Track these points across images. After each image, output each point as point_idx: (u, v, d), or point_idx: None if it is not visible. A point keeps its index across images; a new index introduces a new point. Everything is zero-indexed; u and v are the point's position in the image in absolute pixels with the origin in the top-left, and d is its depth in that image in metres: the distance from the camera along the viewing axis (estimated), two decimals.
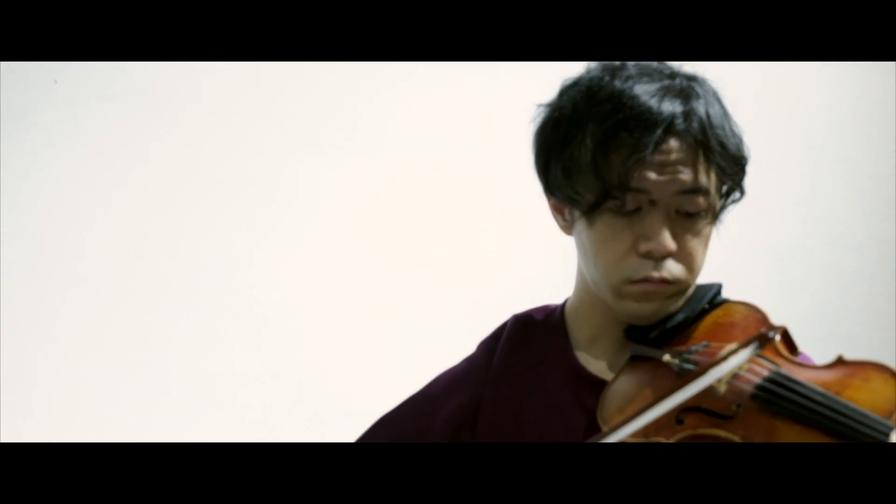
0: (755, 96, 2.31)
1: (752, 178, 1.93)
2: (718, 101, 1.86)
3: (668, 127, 1.79)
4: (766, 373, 1.72)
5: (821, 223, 2.11)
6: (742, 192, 1.89)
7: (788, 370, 1.74)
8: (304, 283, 3.27)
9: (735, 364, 1.75)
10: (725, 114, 1.86)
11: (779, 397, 1.69)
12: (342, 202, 3.29)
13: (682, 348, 1.84)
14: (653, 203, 1.81)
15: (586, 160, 1.80)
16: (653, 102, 1.80)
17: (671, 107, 1.80)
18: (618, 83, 1.82)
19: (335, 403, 3.05)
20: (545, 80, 1.98)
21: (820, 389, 1.69)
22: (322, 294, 3.24)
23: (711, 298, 1.89)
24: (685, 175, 1.80)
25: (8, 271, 3.14)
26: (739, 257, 2.20)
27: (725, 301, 1.91)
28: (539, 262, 3.13)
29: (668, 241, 1.81)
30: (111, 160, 3.20)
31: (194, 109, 3.24)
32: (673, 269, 1.83)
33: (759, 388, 1.71)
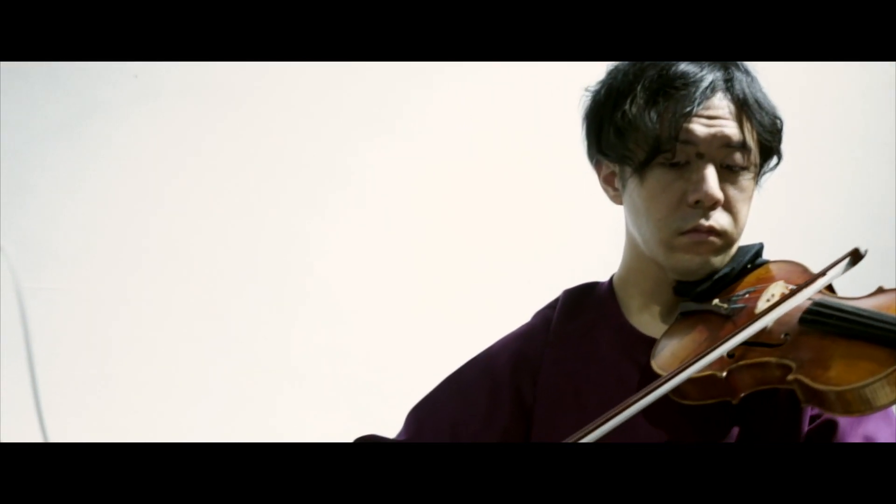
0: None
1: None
2: (754, 74, 1.91)
3: (712, 84, 1.84)
4: (814, 298, 1.76)
5: (821, 223, 2.15)
6: (780, 157, 1.93)
7: (835, 299, 1.78)
8: (358, 270, 3.25)
9: (791, 305, 1.77)
10: (760, 86, 1.91)
11: (825, 317, 1.73)
12: (391, 193, 3.28)
13: (730, 296, 1.87)
14: (700, 156, 1.83)
15: (638, 116, 1.84)
16: (694, 68, 1.85)
17: (713, 71, 1.86)
18: (661, 63, 1.88)
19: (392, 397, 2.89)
20: (583, 79, 2.03)
21: (863, 306, 1.74)
22: (379, 289, 3.23)
23: (753, 257, 1.91)
24: (730, 129, 1.84)
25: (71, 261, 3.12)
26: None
27: (767, 261, 1.92)
28: (579, 249, 3.18)
29: (716, 190, 1.82)
30: (179, 151, 3.21)
31: (251, 105, 3.23)
32: (720, 218, 1.84)
33: (807, 311, 1.74)
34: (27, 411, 1.69)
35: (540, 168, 3.30)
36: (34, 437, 1.69)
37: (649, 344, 1.88)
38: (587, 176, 2.04)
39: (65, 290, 3.10)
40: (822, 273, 1.79)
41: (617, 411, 1.72)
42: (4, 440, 1.76)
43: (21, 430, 1.74)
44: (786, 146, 1.98)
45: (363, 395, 3.15)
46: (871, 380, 1.65)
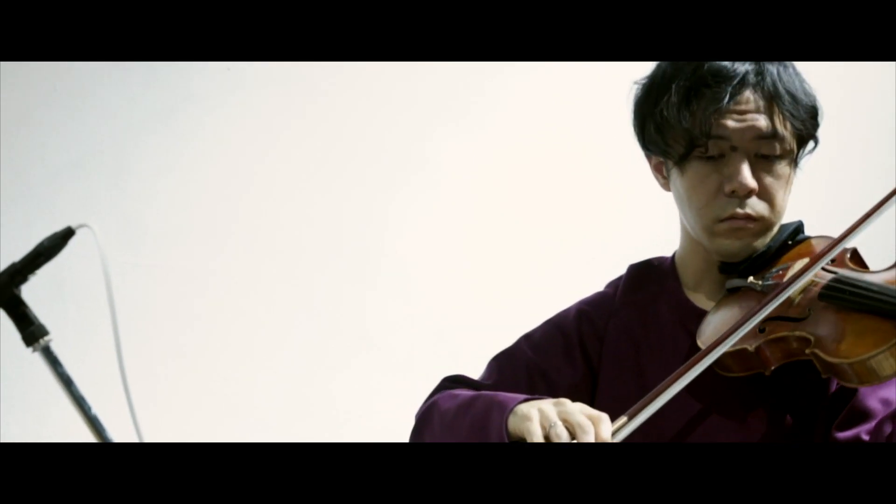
0: None
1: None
2: (793, 67, 1.89)
3: (742, 80, 1.82)
4: (829, 276, 1.76)
5: (821, 223, 2.14)
6: (816, 141, 1.91)
7: (851, 273, 1.77)
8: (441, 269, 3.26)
9: (807, 277, 1.75)
10: (797, 74, 1.89)
11: (840, 292, 1.72)
12: (459, 179, 3.30)
13: (766, 273, 1.86)
14: (734, 149, 1.82)
15: (673, 114, 1.83)
16: (728, 64, 1.83)
17: (744, 66, 1.83)
18: (697, 61, 1.86)
19: None
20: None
21: (878, 281, 1.72)
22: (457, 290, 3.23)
23: (793, 234, 1.90)
24: (761, 122, 1.82)
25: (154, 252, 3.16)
26: None
27: (807, 237, 1.92)
28: (640, 227, 3.10)
29: (749, 181, 1.81)
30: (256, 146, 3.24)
31: (334, 98, 3.25)
32: (756, 206, 1.84)
33: (825, 287, 1.74)
34: (114, 378, 1.66)
35: (601, 155, 3.28)
36: (121, 406, 1.64)
37: (702, 316, 1.89)
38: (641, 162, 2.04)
39: (159, 265, 3.14)
40: (830, 248, 1.78)
41: (664, 386, 1.72)
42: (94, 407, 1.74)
43: (108, 401, 1.69)
44: None
45: (429, 361, 3.13)
46: (875, 351, 1.64)
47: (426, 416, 1.96)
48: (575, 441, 1.64)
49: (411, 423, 3.14)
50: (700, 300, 1.95)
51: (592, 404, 1.77)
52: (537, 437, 1.66)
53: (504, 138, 3.30)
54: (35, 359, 2.93)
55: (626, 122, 2.25)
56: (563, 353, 1.98)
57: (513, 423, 1.72)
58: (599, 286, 2.08)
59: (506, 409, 1.74)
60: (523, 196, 3.29)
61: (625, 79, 2.08)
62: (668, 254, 2.06)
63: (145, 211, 3.17)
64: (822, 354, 1.70)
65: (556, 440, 1.64)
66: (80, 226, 1.67)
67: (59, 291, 2.71)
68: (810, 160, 1.99)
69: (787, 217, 1.95)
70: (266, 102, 3.24)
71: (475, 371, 2.08)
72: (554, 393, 1.88)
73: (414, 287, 3.24)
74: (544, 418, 1.67)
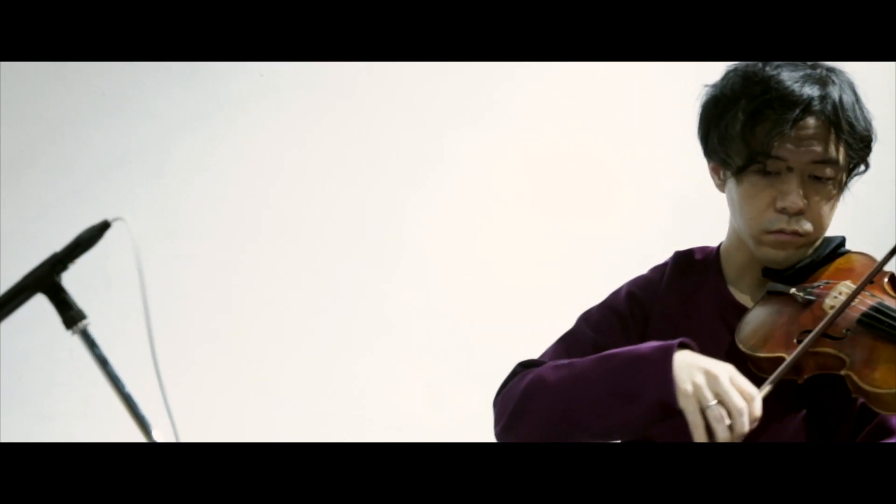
0: None
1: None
2: (852, 89, 1.89)
3: (806, 107, 1.81)
4: (871, 303, 1.76)
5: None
6: (867, 167, 1.92)
7: (891, 303, 1.76)
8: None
9: (847, 299, 1.76)
10: (857, 99, 1.88)
11: (880, 322, 1.73)
12: (476, 173, 3.30)
13: (807, 286, 1.86)
14: (790, 169, 1.83)
15: (737, 131, 1.83)
16: (795, 87, 1.81)
17: (810, 91, 1.82)
18: (769, 70, 1.84)
19: None
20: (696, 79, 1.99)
21: None
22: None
23: (835, 248, 1.91)
24: (818, 147, 1.82)
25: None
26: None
27: (848, 252, 1.92)
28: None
29: (800, 200, 1.82)
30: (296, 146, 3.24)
31: (360, 98, 3.25)
32: (803, 224, 1.84)
33: (865, 314, 1.74)
34: (147, 362, 1.67)
35: (609, 152, 3.28)
36: (154, 388, 1.66)
37: (740, 310, 1.90)
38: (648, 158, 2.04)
39: (194, 255, 3.15)
40: (870, 278, 1.79)
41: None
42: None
43: (142, 383, 1.67)
44: None
45: (444, 345, 3.16)
46: None
47: (531, 391, 1.88)
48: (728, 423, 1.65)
49: (428, 400, 3.16)
50: (740, 295, 1.95)
51: None
52: (695, 417, 1.69)
53: (518, 136, 3.30)
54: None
55: (635, 121, 2.26)
56: (620, 331, 1.97)
57: (663, 393, 1.73)
58: (606, 278, 2.09)
59: (666, 368, 1.73)
60: (535, 191, 3.28)
61: (632, 79, 2.09)
62: (671, 251, 2.07)
63: (182, 205, 3.16)
64: (855, 378, 1.71)
65: (714, 423, 1.67)
66: (116, 219, 1.70)
67: (100, 280, 2.73)
68: None
69: None
70: (294, 105, 3.24)
71: (490, 352, 2.05)
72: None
73: (431, 276, 3.24)
74: (700, 396, 1.69)
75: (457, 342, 3.12)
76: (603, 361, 1.84)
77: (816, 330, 1.74)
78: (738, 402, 1.68)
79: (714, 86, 1.92)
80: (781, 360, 1.77)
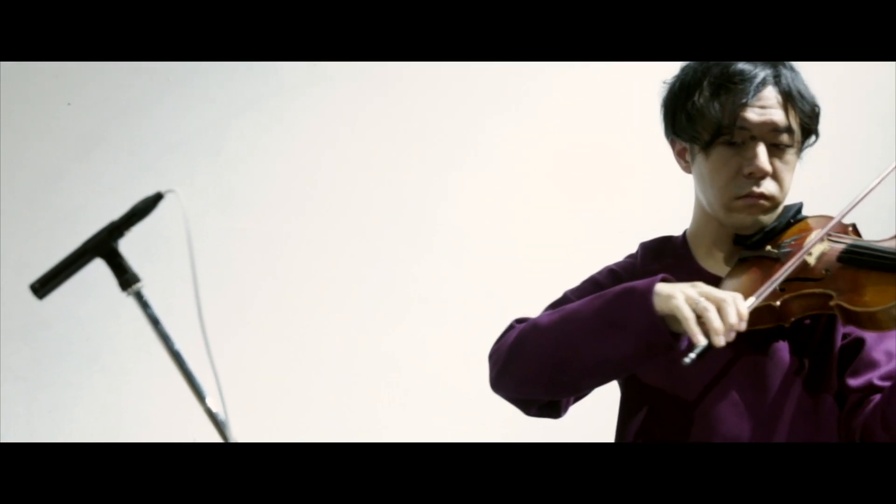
0: None
1: None
2: (797, 71, 1.93)
3: (763, 80, 1.86)
4: (848, 241, 1.82)
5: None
6: (817, 135, 1.95)
7: (862, 240, 1.84)
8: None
9: (820, 245, 1.83)
10: (801, 78, 1.93)
11: (859, 254, 1.79)
12: (508, 160, 3.29)
13: (780, 242, 1.90)
14: (753, 138, 1.87)
15: (704, 106, 1.88)
16: (749, 66, 1.88)
17: (763, 69, 1.88)
18: (723, 62, 1.90)
19: None
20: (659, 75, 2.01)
21: (885, 246, 1.79)
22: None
23: (795, 213, 1.95)
24: (777, 116, 1.87)
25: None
26: None
27: (805, 217, 1.96)
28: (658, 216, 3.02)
29: (766, 164, 1.86)
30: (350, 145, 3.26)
31: (403, 90, 3.26)
32: (769, 186, 1.88)
33: (844, 251, 1.81)
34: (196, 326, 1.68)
35: (627, 145, 3.27)
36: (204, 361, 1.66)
37: (714, 281, 1.88)
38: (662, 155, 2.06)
39: (245, 228, 3.17)
40: (839, 218, 1.84)
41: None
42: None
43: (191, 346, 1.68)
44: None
45: (475, 313, 3.17)
46: (894, 302, 1.71)
47: (522, 339, 1.90)
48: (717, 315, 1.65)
49: (457, 364, 3.16)
50: (712, 267, 1.97)
51: None
52: (686, 311, 1.68)
53: (545, 127, 3.30)
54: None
55: (651, 118, 2.23)
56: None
57: (658, 304, 1.73)
58: (626, 252, 2.11)
59: (646, 293, 1.74)
60: (560, 175, 3.28)
61: (652, 78, 2.09)
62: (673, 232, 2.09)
63: (235, 182, 3.19)
64: (846, 305, 1.75)
65: (704, 314, 1.67)
66: (168, 191, 1.71)
67: (154, 247, 2.72)
68: (815, 160, 2.00)
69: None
70: (342, 94, 3.25)
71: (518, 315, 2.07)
72: None
73: (465, 249, 3.25)
74: (688, 297, 1.70)
75: (488, 308, 3.12)
76: (593, 298, 1.85)
77: (790, 263, 1.78)
78: (724, 295, 1.69)
79: (675, 77, 1.97)
80: (768, 308, 1.80)
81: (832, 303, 1.77)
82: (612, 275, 2.02)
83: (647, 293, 1.74)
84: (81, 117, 3.14)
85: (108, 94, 3.16)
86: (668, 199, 3.10)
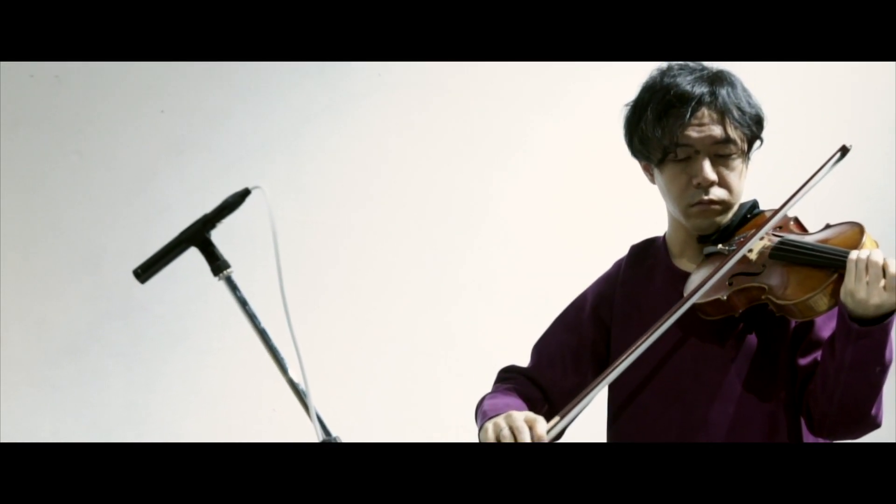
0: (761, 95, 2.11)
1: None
2: (739, 83, 1.93)
3: (699, 101, 1.88)
4: (781, 237, 1.86)
5: (821, 222, 2.12)
6: (762, 141, 1.95)
7: (793, 236, 1.86)
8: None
9: (758, 239, 1.85)
10: (744, 90, 1.93)
11: (786, 251, 1.82)
12: (550, 158, 3.26)
13: (732, 241, 1.93)
14: (697, 152, 1.89)
15: (650, 130, 1.91)
16: (688, 87, 1.89)
17: (700, 88, 1.89)
18: (666, 79, 1.92)
19: None
20: None
21: (810, 240, 1.82)
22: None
23: (750, 210, 1.96)
24: (716, 131, 1.88)
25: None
26: None
27: (761, 211, 1.97)
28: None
29: (710, 175, 1.88)
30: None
31: (456, 94, 3.23)
32: (717, 192, 1.90)
33: (773, 248, 1.85)
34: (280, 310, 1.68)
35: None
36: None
37: (685, 277, 1.95)
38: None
39: (319, 221, 3.18)
40: (771, 217, 1.86)
41: (656, 326, 1.84)
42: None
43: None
44: (786, 146, 1.94)
45: (522, 296, 3.16)
46: (812, 294, 1.75)
47: (477, 409, 2.01)
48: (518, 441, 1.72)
49: (505, 339, 3.13)
50: (684, 265, 2.00)
51: (608, 354, 1.92)
52: (489, 438, 1.77)
53: (582, 126, 3.28)
54: (132, 338, 2.97)
55: None
56: (586, 324, 2.03)
57: (481, 435, 1.83)
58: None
59: (480, 426, 1.85)
60: (595, 171, 3.26)
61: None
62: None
63: (311, 180, 3.19)
64: (773, 298, 1.78)
65: (500, 439, 1.74)
66: (255, 187, 1.74)
67: (242, 238, 2.76)
68: (820, 158, 1.98)
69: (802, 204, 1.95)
70: (405, 97, 3.24)
71: (562, 301, 2.12)
72: (583, 352, 2.01)
73: (510, 238, 3.24)
74: (495, 424, 1.77)
75: (534, 291, 3.12)
76: (480, 408, 1.96)
77: (729, 263, 1.82)
78: (520, 424, 1.75)
79: (630, 102, 1.99)
80: (719, 301, 1.84)
81: (764, 296, 1.80)
82: (595, 294, 2.05)
83: (480, 427, 1.85)
84: (172, 123, 3.16)
85: (195, 102, 3.17)
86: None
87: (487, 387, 3.16)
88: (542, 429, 1.74)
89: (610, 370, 1.84)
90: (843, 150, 1.87)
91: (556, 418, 1.78)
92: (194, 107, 3.16)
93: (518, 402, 1.93)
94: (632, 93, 3.20)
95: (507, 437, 1.74)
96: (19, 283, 3.06)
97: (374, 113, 3.22)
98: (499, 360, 3.13)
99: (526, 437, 1.72)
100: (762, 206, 2.01)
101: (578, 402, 1.80)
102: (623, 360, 1.84)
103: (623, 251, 2.13)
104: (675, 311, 1.83)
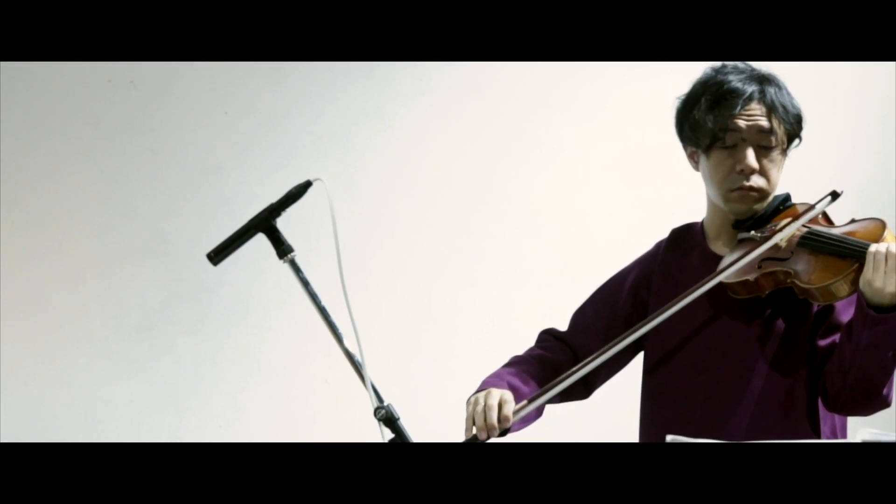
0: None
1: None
2: (784, 86, 1.96)
3: (750, 96, 1.91)
4: (810, 228, 1.87)
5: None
6: (800, 139, 1.97)
7: (820, 227, 1.88)
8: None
9: (789, 230, 1.88)
10: (788, 93, 1.96)
11: (812, 240, 1.85)
12: (579, 153, 3.24)
13: (763, 228, 1.94)
14: (743, 140, 1.91)
15: (702, 117, 1.92)
16: (739, 84, 1.92)
17: (752, 86, 1.92)
18: (720, 76, 1.94)
19: None
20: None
21: (836, 232, 1.85)
22: None
23: (783, 201, 1.97)
24: (762, 122, 1.91)
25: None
26: None
27: (793, 204, 1.98)
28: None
29: (753, 162, 1.91)
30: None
31: (493, 94, 3.23)
32: (757, 180, 1.92)
33: (802, 237, 1.86)
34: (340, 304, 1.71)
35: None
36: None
37: (719, 259, 1.96)
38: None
39: (371, 212, 3.17)
40: (808, 209, 1.88)
41: (682, 297, 1.86)
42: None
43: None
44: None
45: (552, 278, 3.15)
46: (833, 280, 1.78)
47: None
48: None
49: (537, 317, 3.08)
50: (719, 249, 2.00)
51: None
52: (468, 413, 1.82)
53: (608, 126, 3.26)
54: (199, 317, 2.97)
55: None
56: (623, 298, 2.03)
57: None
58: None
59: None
60: (619, 164, 3.24)
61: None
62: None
63: (360, 174, 3.19)
64: (798, 282, 1.81)
65: (475, 416, 1.79)
66: (316, 179, 1.79)
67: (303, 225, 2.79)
68: (826, 157, 1.99)
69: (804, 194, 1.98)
70: (444, 100, 3.22)
71: (591, 284, 2.12)
72: (616, 324, 1.99)
73: (540, 227, 3.22)
74: (475, 402, 1.82)
75: (564, 274, 3.10)
76: (484, 380, 1.96)
77: (762, 248, 1.83)
78: (492, 402, 1.80)
79: (683, 94, 2.00)
80: (748, 282, 1.85)
81: (789, 280, 1.82)
82: (634, 271, 2.05)
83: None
84: (235, 123, 3.18)
85: (255, 105, 3.19)
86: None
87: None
88: (510, 410, 1.79)
89: (611, 345, 1.86)
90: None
91: (524, 402, 1.83)
92: (254, 109, 3.18)
93: (511, 381, 1.92)
94: (640, 93, 3.20)
95: (479, 414, 1.79)
96: (99, 267, 3.09)
97: (416, 113, 3.23)
98: (527, 335, 3.16)
99: (493, 416, 1.78)
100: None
101: (556, 385, 1.84)
102: (629, 335, 1.86)
103: (642, 238, 2.13)
104: (701, 286, 1.85)
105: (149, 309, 3.10)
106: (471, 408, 1.82)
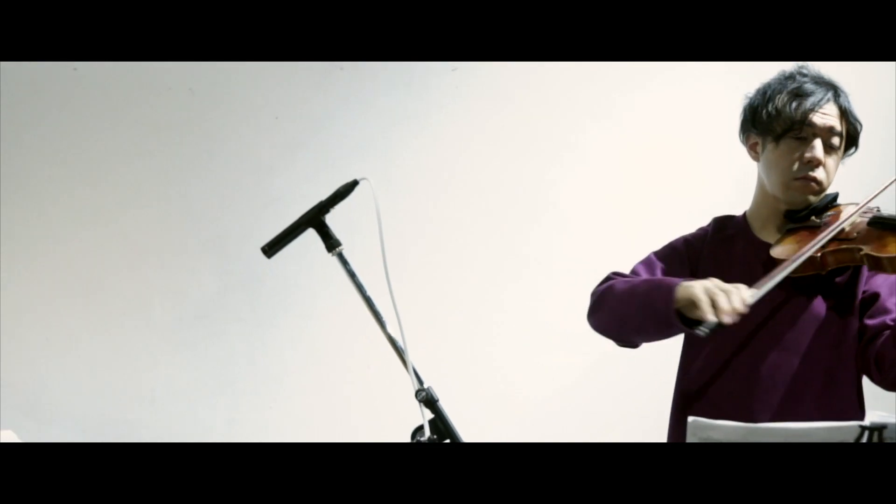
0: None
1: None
2: (847, 95, 1.99)
3: (828, 97, 1.93)
4: (874, 212, 1.90)
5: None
6: (856, 147, 2.00)
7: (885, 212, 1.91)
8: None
9: (853, 215, 1.89)
10: (850, 102, 1.99)
11: (884, 219, 1.87)
12: (604, 154, 3.21)
13: (821, 216, 1.95)
14: (815, 135, 1.92)
15: (783, 106, 1.92)
16: (818, 86, 1.95)
17: (829, 90, 1.95)
18: (799, 76, 1.96)
19: None
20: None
21: None
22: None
23: (833, 199, 1.98)
24: (834, 122, 1.93)
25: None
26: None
27: (839, 204, 1.99)
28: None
29: (821, 154, 1.92)
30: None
31: (524, 97, 3.20)
32: (819, 173, 1.93)
33: (872, 218, 1.89)
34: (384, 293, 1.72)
35: (699, 144, 3.17)
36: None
37: (766, 248, 1.94)
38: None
39: (409, 210, 3.14)
40: (868, 202, 1.91)
41: (780, 269, 1.79)
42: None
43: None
44: None
45: (576, 272, 2.99)
46: None
47: (605, 294, 1.94)
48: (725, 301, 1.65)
49: (559, 309, 3.14)
50: (765, 237, 1.99)
51: None
52: (701, 296, 1.70)
53: (631, 127, 3.24)
54: (252, 306, 2.97)
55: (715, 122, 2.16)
56: (678, 262, 2.02)
57: (679, 293, 1.75)
58: (696, 226, 2.10)
59: (672, 287, 1.77)
60: (647, 167, 3.23)
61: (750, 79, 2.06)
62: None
63: (399, 174, 3.18)
64: (872, 252, 1.79)
65: (715, 298, 1.68)
66: (362, 178, 1.81)
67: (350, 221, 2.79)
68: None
69: None
70: (477, 104, 3.21)
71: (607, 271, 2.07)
72: (671, 273, 1.96)
73: (566, 222, 3.21)
74: (705, 287, 1.71)
75: (587, 268, 2.99)
76: (645, 281, 1.90)
77: (839, 222, 1.83)
78: (730, 287, 1.72)
79: (757, 89, 1.99)
80: (813, 258, 1.82)
81: (861, 253, 1.80)
82: (687, 244, 2.04)
83: (672, 288, 1.77)
84: (284, 127, 3.19)
85: (303, 110, 3.19)
86: (727, 185, 3.05)
87: (537, 343, 3.05)
88: (748, 294, 1.71)
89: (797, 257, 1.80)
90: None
91: (756, 290, 1.73)
92: (302, 114, 3.19)
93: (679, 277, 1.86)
94: (664, 96, 3.18)
95: (719, 294, 1.67)
96: (161, 260, 3.11)
97: (451, 117, 3.22)
98: (552, 326, 3.16)
99: (738, 301, 1.66)
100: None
101: (770, 280, 1.75)
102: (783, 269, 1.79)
103: (665, 236, 2.11)
104: (800, 256, 1.80)
105: (205, 299, 3.12)
106: (704, 296, 1.68)
